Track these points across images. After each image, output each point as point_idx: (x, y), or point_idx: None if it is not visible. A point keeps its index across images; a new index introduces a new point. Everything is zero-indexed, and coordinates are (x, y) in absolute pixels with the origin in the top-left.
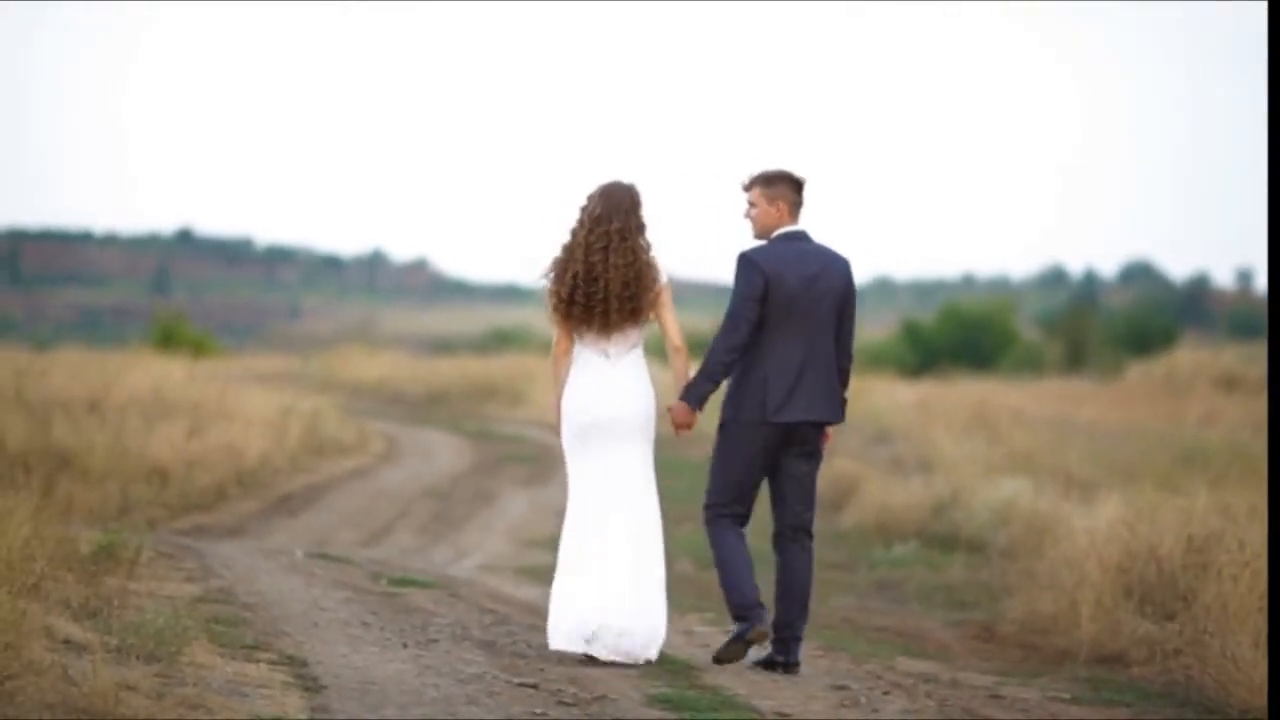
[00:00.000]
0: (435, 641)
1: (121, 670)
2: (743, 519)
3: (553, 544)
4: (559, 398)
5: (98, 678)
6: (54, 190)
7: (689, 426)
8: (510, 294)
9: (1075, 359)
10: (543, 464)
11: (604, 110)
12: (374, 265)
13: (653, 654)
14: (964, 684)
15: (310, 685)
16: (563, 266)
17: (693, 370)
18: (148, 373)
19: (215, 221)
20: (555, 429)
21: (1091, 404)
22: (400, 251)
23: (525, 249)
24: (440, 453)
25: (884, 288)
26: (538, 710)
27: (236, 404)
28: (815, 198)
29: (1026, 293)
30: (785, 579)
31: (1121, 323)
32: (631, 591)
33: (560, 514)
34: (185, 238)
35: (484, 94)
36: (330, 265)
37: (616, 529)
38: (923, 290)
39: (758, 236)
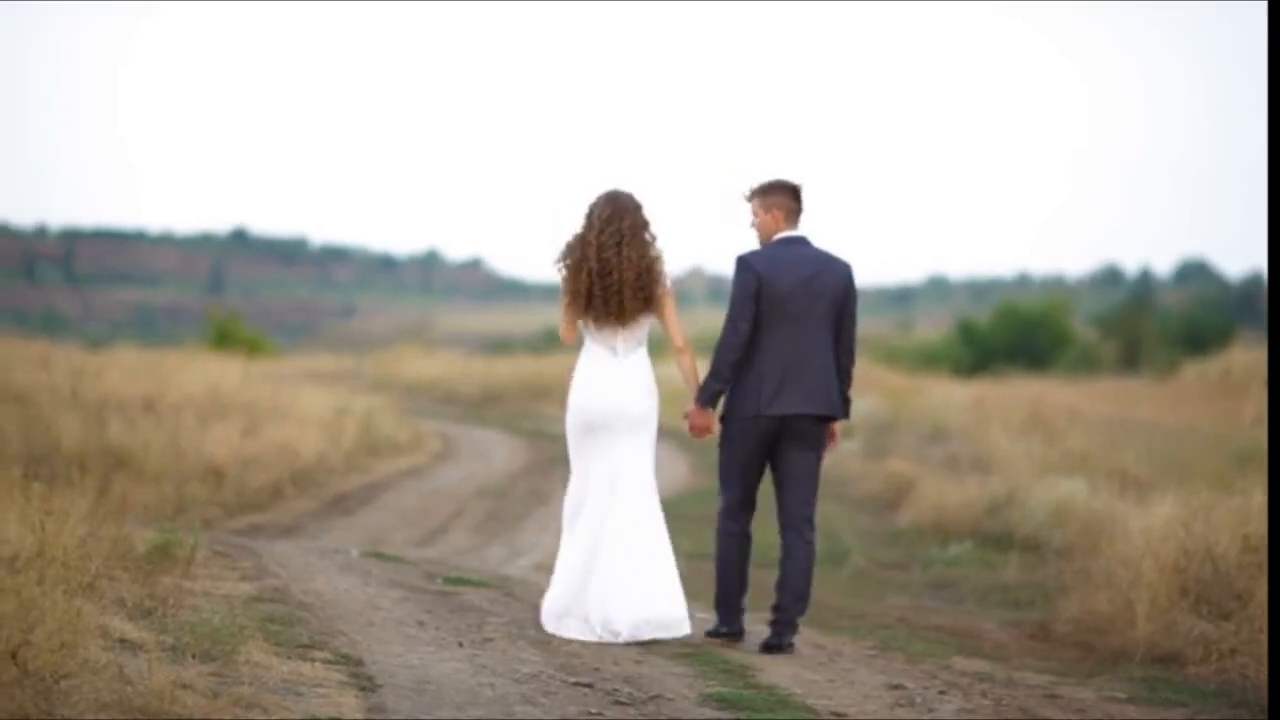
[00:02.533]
0: (490, 641)
1: (177, 669)
2: (748, 509)
3: None
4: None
5: (153, 677)
6: (109, 190)
7: (708, 429)
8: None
9: (1131, 358)
10: None
11: (657, 111)
12: (429, 265)
13: (663, 634)
14: (1020, 683)
15: (366, 684)
16: (577, 265)
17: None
18: (203, 372)
19: (270, 221)
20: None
21: (1147, 403)
22: (455, 251)
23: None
24: (495, 452)
25: (939, 287)
26: (593, 710)
27: (291, 403)
28: (872, 198)
29: (1082, 292)
30: (785, 568)
31: (1177, 322)
32: (634, 579)
33: None
34: (240, 237)
35: (540, 94)
36: (385, 265)
37: (616, 519)
38: (978, 289)
39: (761, 243)
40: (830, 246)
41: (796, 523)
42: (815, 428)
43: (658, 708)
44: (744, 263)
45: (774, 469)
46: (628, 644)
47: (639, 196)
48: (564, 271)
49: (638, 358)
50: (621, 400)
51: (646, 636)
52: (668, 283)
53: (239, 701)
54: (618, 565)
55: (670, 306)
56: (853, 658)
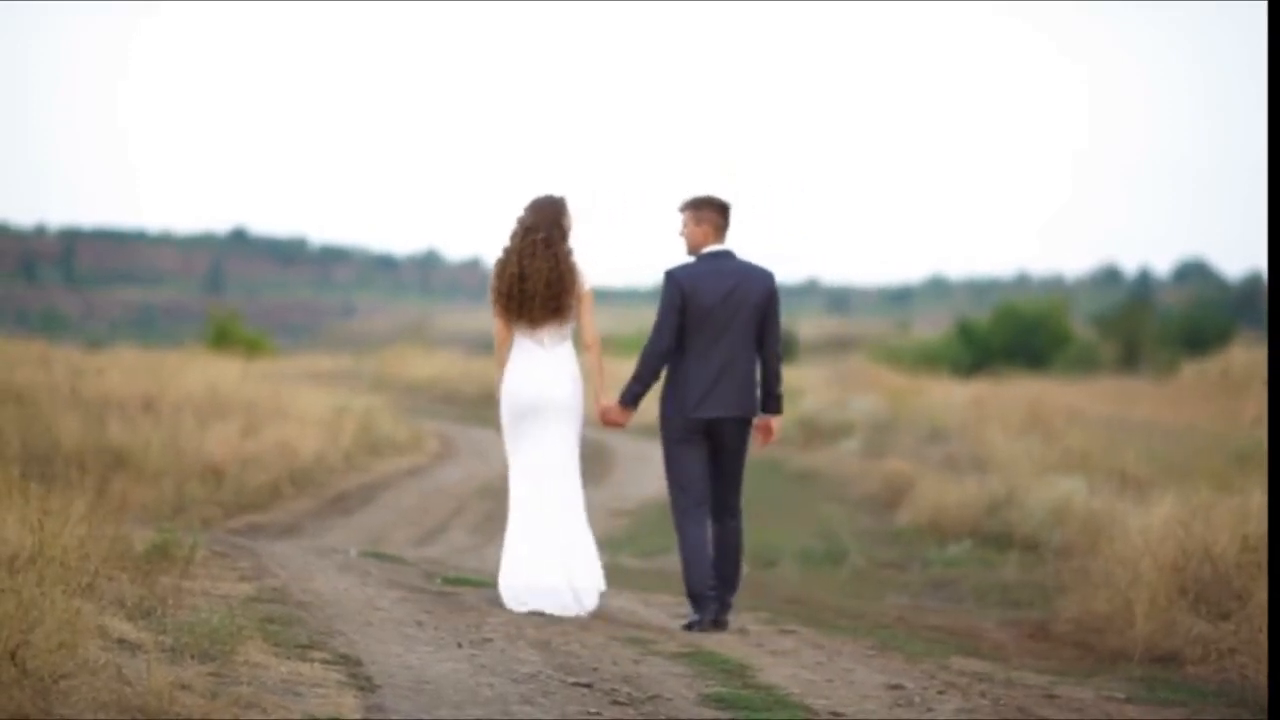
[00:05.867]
0: (489, 641)
1: (176, 669)
2: (699, 501)
3: (606, 544)
4: (500, 380)
5: (152, 677)
6: (108, 189)
7: (620, 424)
8: None
9: (1130, 358)
10: (597, 463)
11: (659, 112)
12: (428, 264)
13: (587, 606)
14: (1019, 683)
15: (364, 684)
16: (502, 267)
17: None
18: (202, 372)
19: (269, 221)
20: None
21: (1146, 403)
22: (454, 250)
23: (580, 249)
24: (494, 452)
25: (938, 287)
26: (592, 710)
27: (291, 403)
28: (873, 198)
29: (1081, 292)
30: (716, 553)
31: (1176, 321)
32: (561, 553)
33: (615, 513)
34: (240, 237)
35: (540, 94)
36: (384, 264)
37: (547, 498)
38: (977, 289)
39: (689, 253)
40: (830, 249)
41: (723, 514)
42: (739, 428)
43: (656, 707)
44: (670, 278)
45: (710, 463)
46: (553, 616)
47: (565, 204)
48: (495, 270)
49: (563, 350)
50: (547, 389)
51: (567, 611)
52: (585, 285)
53: (238, 701)
54: (545, 543)
55: (586, 307)
56: (851, 657)
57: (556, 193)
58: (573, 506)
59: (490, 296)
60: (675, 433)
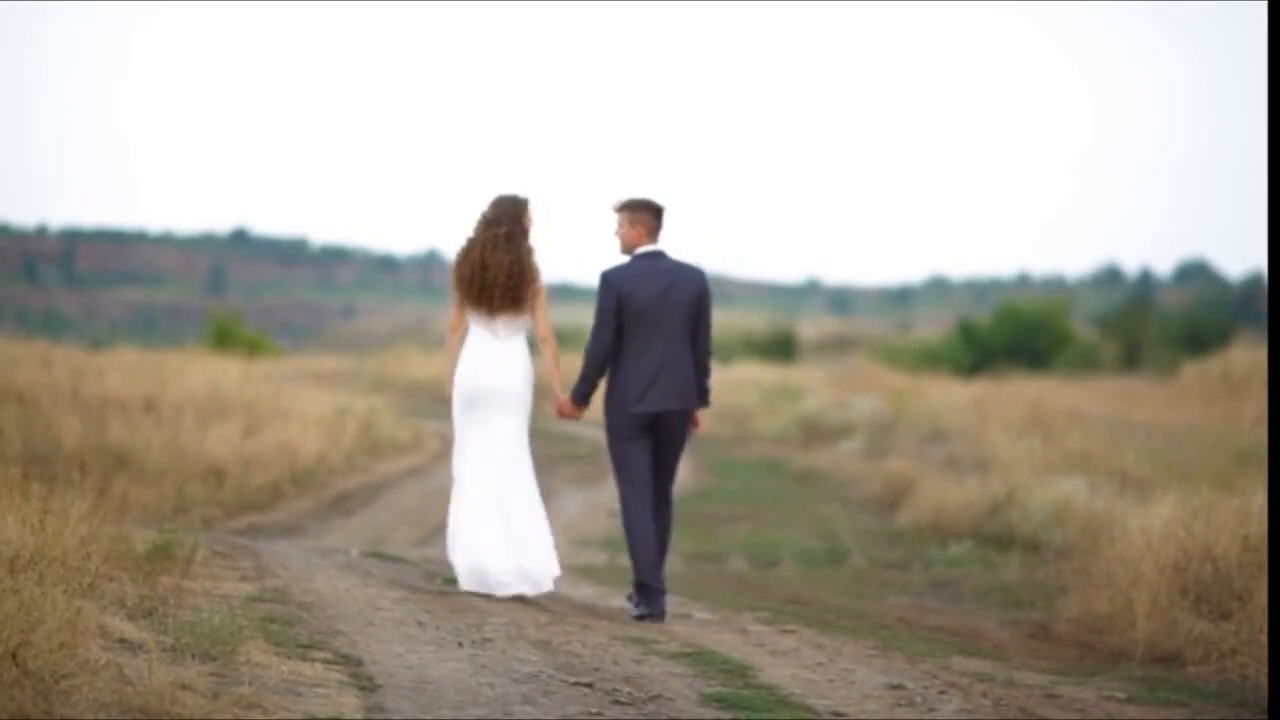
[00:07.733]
0: (490, 640)
1: (177, 669)
2: (645, 493)
3: (607, 544)
4: (453, 368)
5: (153, 677)
6: (109, 190)
7: (574, 417)
8: (563, 293)
9: (1131, 358)
10: (598, 463)
11: (658, 111)
12: (429, 265)
13: (533, 589)
14: (1019, 683)
15: (365, 684)
16: (465, 255)
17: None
18: (203, 372)
19: (271, 221)
20: (447, 394)
21: (1147, 403)
22: (455, 251)
23: (579, 249)
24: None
25: (939, 287)
26: (593, 709)
27: (292, 403)
28: (873, 198)
29: (1082, 292)
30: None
31: (1177, 322)
32: (506, 537)
33: (615, 513)
34: (241, 237)
35: (541, 94)
36: (385, 265)
37: (493, 483)
38: (978, 290)
39: (623, 253)
40: (830, 249)
41: (659, 502)
42: (679, 419)
43: (658, 708)
44: (606, 279)
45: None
46: (507, 598)
47: (527, 204)
48: (458, 258)
49: (516, 342)
50: (500, 378)
51: (519, 591)
52: (540, 281)
53: (239, 702)
54: (498, 525)
55: (541, 302)
56: (853, 657)
57: (521, 193)
58: (524, 491)
59: (450, 282)
60: (620, 428)
